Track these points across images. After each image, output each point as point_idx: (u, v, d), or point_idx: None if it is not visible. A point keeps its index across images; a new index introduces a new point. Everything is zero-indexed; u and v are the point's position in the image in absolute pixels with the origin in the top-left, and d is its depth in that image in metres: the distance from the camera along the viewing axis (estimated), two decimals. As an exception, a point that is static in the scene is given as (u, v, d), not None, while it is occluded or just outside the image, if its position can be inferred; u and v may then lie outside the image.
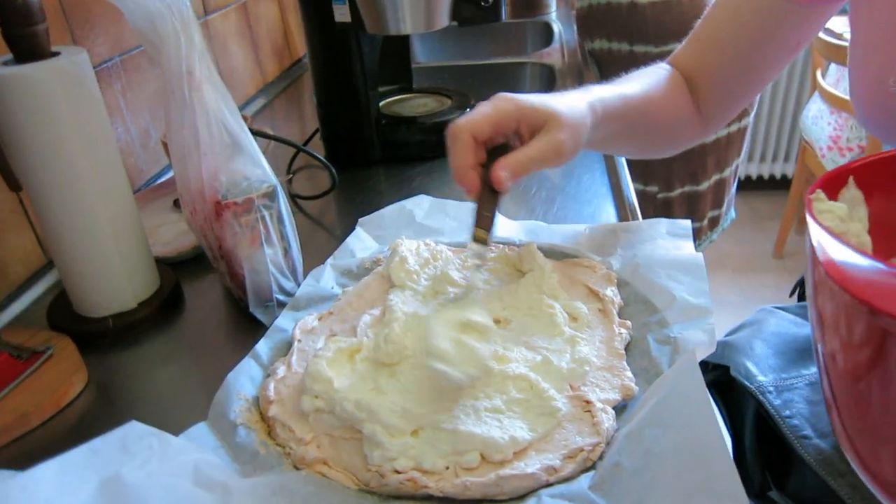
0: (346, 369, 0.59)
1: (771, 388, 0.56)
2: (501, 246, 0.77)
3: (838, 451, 0.48)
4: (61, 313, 0.74)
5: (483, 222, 0.64)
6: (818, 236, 0.40)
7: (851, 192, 0.50)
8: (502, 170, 0.62)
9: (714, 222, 1.67)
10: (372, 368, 0.58)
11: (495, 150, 0.65)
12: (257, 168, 0.71)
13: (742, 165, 3.28)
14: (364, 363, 0.59)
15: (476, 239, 0.64)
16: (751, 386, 0.58)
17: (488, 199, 0.64)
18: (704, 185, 1.58)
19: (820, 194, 0.48)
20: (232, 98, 0.70)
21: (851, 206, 0.50)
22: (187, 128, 0.68)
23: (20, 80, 0.63)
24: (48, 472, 0.44)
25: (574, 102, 0.68)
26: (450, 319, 0.59)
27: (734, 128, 1.54)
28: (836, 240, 0.39)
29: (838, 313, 0.39)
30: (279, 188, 0.71)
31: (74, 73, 0.66)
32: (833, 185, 0.50)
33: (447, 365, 0.54)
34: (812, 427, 0.52)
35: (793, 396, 0.55)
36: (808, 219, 0.42)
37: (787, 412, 0.53)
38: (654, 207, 1.59)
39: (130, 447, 0.48)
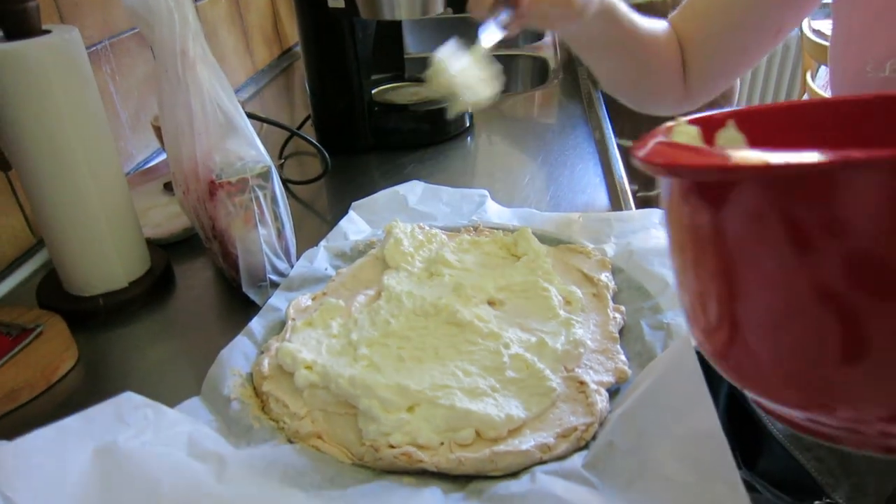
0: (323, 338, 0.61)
1: None
2: (496, 231, 0.78)
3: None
4: (51, 292, 0.74)
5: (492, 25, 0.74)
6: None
7: (731, 132, 0.45)
8: None
9: None
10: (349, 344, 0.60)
11: None
12: (251, 148, 0.70)
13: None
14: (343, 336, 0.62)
15: (483, 41, 0.75)
16: None
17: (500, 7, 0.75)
18: None
19: (681, 120, 0.43)
20: (226, 78, 0.69)
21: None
22: (181, 107, 0.68)
23: (11, 56, 0.62)
24: (42, 440, 0.44)
25: None
26: None
27: None
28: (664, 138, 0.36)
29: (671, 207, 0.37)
30: (273, 169, 0.70)
31: (66, 51, 0.65)
32: (708, 125, 0.44)
33: None
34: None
35: None
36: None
37: None
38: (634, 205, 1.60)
39: (125, 417, 0.47)
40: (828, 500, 0.44)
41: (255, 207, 0.69)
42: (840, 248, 0.30)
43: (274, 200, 0.71)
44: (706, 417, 0.44)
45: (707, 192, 0.33)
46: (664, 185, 0.37)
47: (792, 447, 0.47)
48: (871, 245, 0.30)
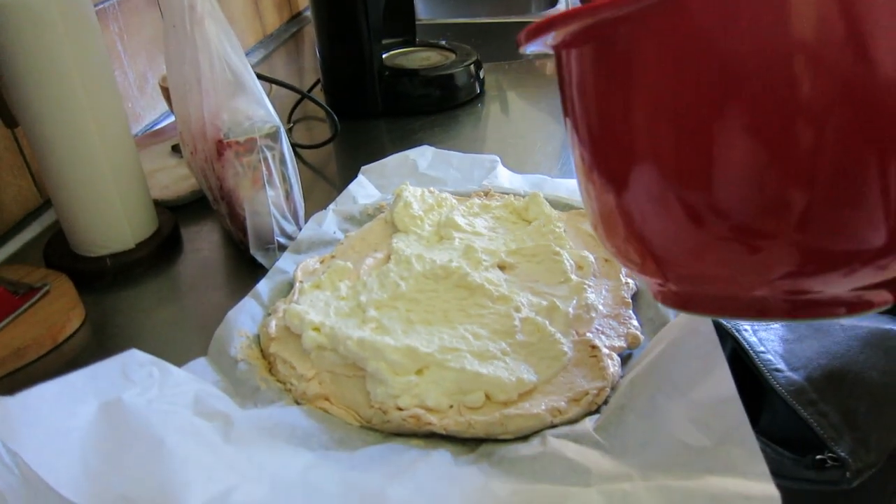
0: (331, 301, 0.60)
1: (747, 327, 0.57)
2: (507, 195, 0.76)
3: (810, 382, 0.49)
4: (58, 252, 0.73)
5: None
6: None
7: None
8: None
9: None
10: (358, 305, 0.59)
11: None
12: (260, 108, 0.69)
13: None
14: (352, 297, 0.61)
15: None
16: (727, 324, 0.59)
17: None
18: None
19: None
20: (234, 35, 0.68)
21: None
22: (188, 64, 0.66)
23: (17, 8, 0.61)
24: (47, 394, 0.43)
25: None
26: None
27: None
28: None
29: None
30: (282, 129, 0.69)
31: (73, 3, 0.64)
32: None
33: None
34: (785, 362, 0.52)
35: (768, 335, 0.55)
36: None
37: (762, 348, 0.54)
38: None
39: (131, 374, 0.47)
40: (830, 455, 0.44)
41: (264, 168, 0.68)
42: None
43: (282, 161, 0.70)
44: (722, 381, 0.44)
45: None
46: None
47: (795, 402, 0.46)
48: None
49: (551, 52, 0.40)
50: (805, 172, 0.31)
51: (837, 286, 0.34)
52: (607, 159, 0.38)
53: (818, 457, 0.44)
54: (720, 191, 0.33)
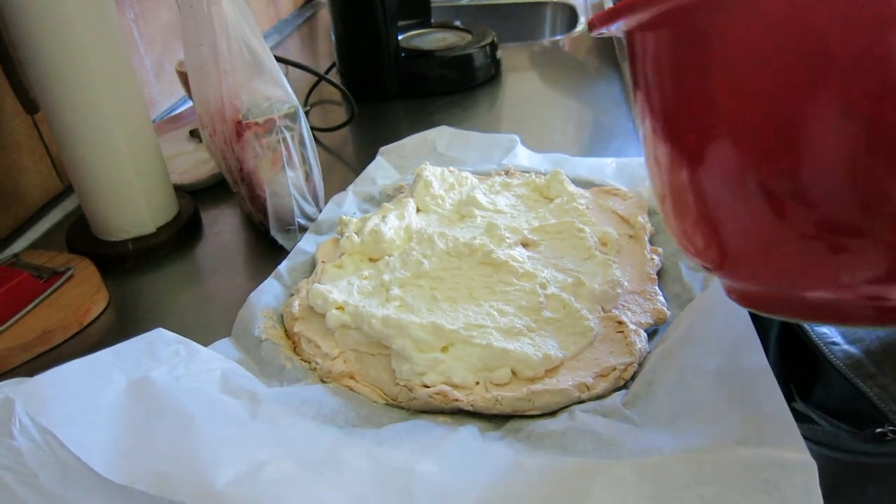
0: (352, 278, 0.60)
1: None
2: (528, 174, 0.76)
3: (868, 356, 0.48)
4: (80, 237, 0.73)
5: None
6: None
7: None
8: None
9: None
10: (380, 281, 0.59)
11: None
12: (278, 88, 0.69)
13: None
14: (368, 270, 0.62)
15: None
16: None
17: None
18: None
19: None
20: (251, 15, 0.67)
21: None
22: (206, 45, 0.66)
23: (34, -7, 0.61)
24: (76, 370, 0.43)
25: None
26: None
27: None
28: None
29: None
30: (301, 110, 0.69)
31: (91, -12, 0.63)
32: None
33: None
34: (842, 335, 0.51)
35: None
36: None
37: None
38: None
39: (157, 353, 0.47)
40: (891, 428, 0.43)
41: (283, 149, 0.68)
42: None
43: (302, 143, 0.70)
44: (753, 354, 0.43)
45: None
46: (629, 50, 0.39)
47: (853, 376, 0.45)
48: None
49: (621, 34, 0.39)
50: None
51: None
52: (682, 132, 0.35)
53: (878, 430, 0.43)
54: (807, 175, 0.29)
